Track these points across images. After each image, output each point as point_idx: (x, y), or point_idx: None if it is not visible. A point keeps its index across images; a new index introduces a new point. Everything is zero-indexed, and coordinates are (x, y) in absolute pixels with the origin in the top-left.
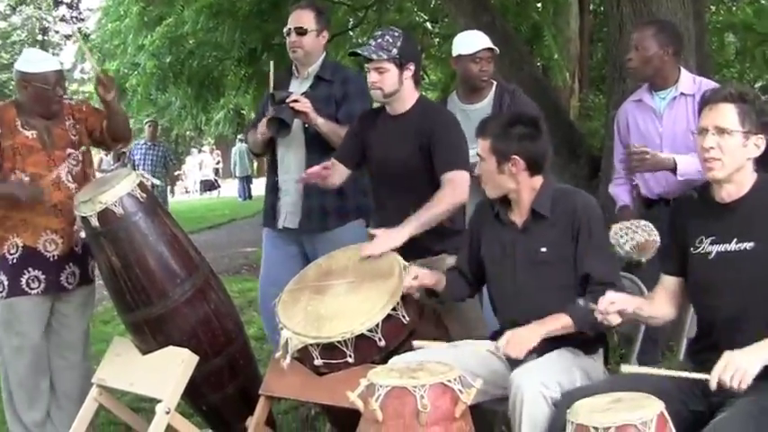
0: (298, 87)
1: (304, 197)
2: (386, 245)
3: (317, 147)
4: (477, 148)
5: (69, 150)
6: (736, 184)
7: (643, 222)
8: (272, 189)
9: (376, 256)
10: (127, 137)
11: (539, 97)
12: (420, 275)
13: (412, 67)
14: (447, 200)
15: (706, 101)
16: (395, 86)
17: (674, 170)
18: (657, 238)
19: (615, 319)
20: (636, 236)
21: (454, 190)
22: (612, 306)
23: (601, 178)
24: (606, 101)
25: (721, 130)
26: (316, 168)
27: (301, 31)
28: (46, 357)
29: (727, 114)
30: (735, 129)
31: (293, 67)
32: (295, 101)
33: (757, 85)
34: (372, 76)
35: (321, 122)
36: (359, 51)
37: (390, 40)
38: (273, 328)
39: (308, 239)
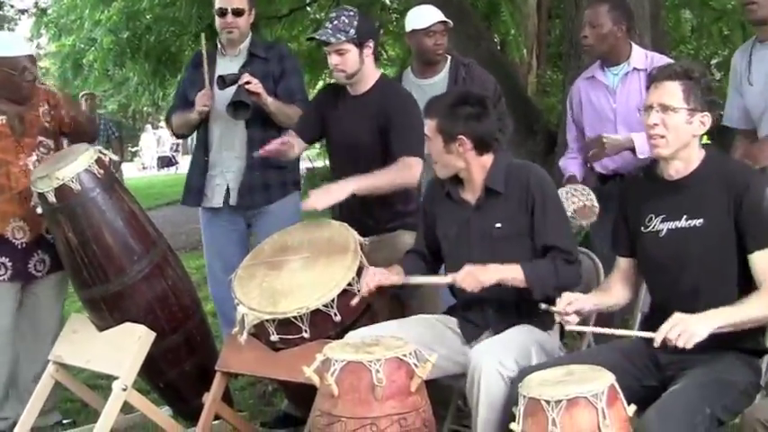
0: (228, 65)
1: (246, 172)
2: (328, 199)
3: (258, 123)
4: (425, 128)
5: (41, 138)
6: (683, 160)
7: (581, 187)
8: (202, 167)
9: (318, 209)
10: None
11: (495, 73)
12: (381, 280)
13: (371, 44)
14: (395, 175)
15: (652, 79)
16: (356, 66)
17: (633, 149)
18: (596, 203)
19: (574, 320)
20: (577, 201)
21: (405, 170)
22: (570, 307)
23: (557, 154)
24: (563, 77)
25: (666, 108)
26: (274, 144)
27: (238, 12)
28: (12, 344)
29: (672, 92)
30: (679, 106)
31: (219, 45)
32: (247, 82)
33: (714, 61)
34: (333, 59)
35: (270, 101)
36: (317, 36)
37: (347, 21)
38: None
39: (251, 214)
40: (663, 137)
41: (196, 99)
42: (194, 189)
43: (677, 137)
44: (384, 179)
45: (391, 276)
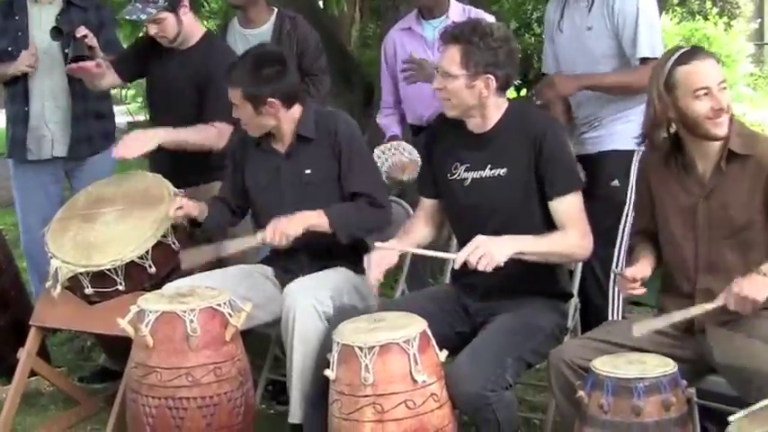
0: (40, 13)
1: (72, 125)
2: (136, 148)
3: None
4: (230, 96)
5: None
6: (480, 118)
7: (402, 143)
8: (23, 119)
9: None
10: None
11: (312, 25)
12: (185, 205)
13: (185, 2)
14: (204, 136)
15: (441, 40)
16: (176, 29)
17: None
18: (419, 159)
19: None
20: (395, 156)
21: (214, 135)
22: (380, 267)
23: (374, 106)
24: (381, 29)
25: (445, 73)
26: (89, 64)
27: None
28: None
29: (452, 57)
30: (457, 73)
31: None
32: (85, 36)
33: (534, 16)
34: (152, 30)
35: (102, 56)
36: (128, 17)
37: None
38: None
39: (74, 166)
40: (448, 99)
41: (21, 58)
42: (16, 141)
43: (459, 101)
44: (192, 137)
45: (194, 208)
